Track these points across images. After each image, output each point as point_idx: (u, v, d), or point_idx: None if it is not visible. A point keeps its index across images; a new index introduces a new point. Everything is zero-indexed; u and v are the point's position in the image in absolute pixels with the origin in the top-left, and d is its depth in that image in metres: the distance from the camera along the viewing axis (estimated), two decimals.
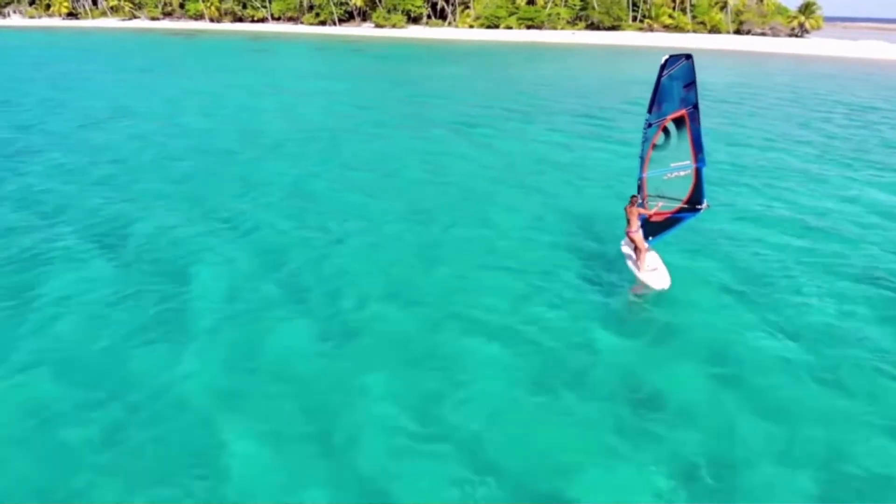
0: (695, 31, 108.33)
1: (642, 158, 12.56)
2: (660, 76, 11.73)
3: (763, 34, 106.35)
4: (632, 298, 12.92)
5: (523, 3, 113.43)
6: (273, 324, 11.48)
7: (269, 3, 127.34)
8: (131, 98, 37.78)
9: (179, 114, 32.93)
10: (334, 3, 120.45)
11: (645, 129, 12.23)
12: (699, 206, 13.13)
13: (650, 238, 13.22)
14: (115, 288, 12.77)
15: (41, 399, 9.32)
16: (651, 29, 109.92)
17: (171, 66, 57.25)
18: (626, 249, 13.42)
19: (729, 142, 27.59)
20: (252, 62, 62.82)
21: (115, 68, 54.26)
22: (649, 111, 12.11)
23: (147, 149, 24.91)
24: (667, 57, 11.79)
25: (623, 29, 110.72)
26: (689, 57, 11.89)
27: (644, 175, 12.68)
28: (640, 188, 12.86)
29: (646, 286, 12.56)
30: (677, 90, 12.08)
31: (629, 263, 13.15)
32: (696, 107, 12.32)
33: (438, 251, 14.88)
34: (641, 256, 12.78)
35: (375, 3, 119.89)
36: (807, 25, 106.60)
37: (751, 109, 37.55)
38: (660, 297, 12.42)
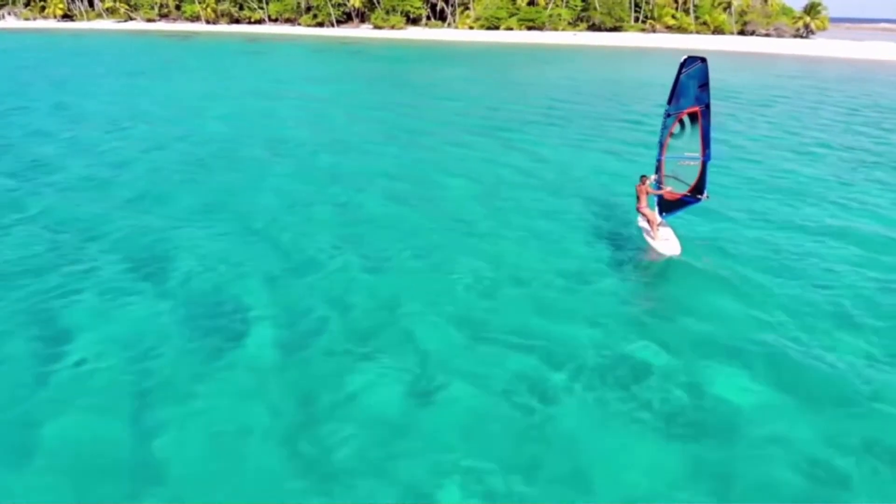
0: (698, 32, 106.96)
1: (661, 143, 14.51)
2: (679, 73, 13.42)
3: (767, 35, 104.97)
4: (647, 263, 14.56)
5: (524, 4, 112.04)
6: (345, 364, 10.15)
7: (266, 4, 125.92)
8: (135, 104, 35.95)
9: (190, 121, 30.96)
10: (332, 5, 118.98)
11: (665, 118, 14.16)
12: (700, 196, 14.41)
13: (664, 214, 15.06)
14: (158, 322, 11.43)
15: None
16: (653, 30, 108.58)
17: (167, 69, 55.72)
18: (643, 224, 15.04)
19: (788, 148, 26.82)
20: (249, 65, 61.35)
21: (109, 72, 52.77)
22: (669, 103, 13.93)
23: (169, 160, 23.21)
24: (685, 57, 13.44)
25: (625, 30, 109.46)
26: (703, 60, 13.33)
27: (662, 158, 14.58)
28: (657, 168, 14.77)
29: (659, 253, 14.22)
30: (693, 88, 13.53)
31: (645, 235, 14.89)
32: (707, 106, 13.56)
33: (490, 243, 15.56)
34: (654, 227, 14.54)
35: (374, 4, 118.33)
36: (812, 26, 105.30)
37: (791, 112, 36.40)
38: (671, 262, 14.08)
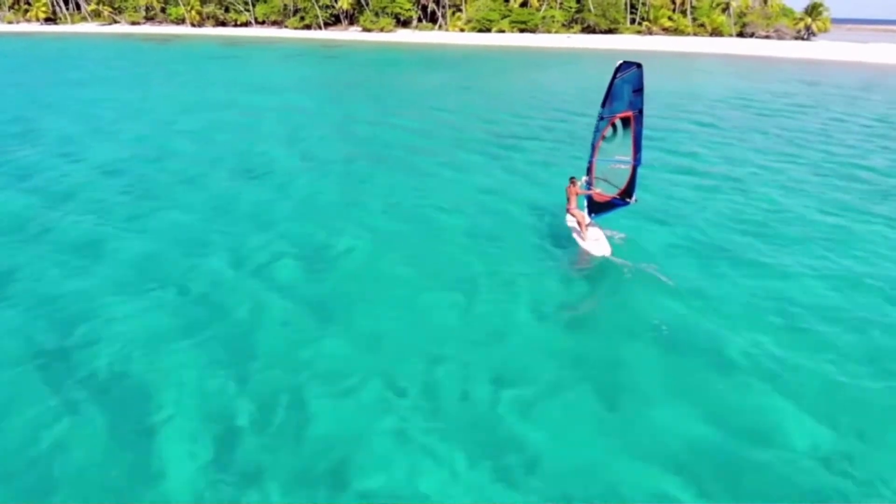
0: (695, 34, 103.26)
1: (593, 146, 14.47)
2: (614, 77, 13.38)
3: (767, 37, 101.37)
4: (577, 264, 14.57)
5: (517, 6, 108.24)
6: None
7: (253, 6, 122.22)
8: (82, 119, 33.00)
9: (144, 140, 28.09)
10: (319, 7, 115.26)
11: (598, 120, 14.00)
12: (629, 200, 14.62)
13: (593, 214, 15.28)
14: None
15: None
16: (650, 32, 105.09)
17: (126, 77, 53.21)
18: (572, 224, 15.22)
19: (809, 168, 24.27)
20: (216, 72, 58.10)
21: (57, 81, 50.23)
22: (602, 106, 13.78)
23: (109, 192, 20.21)
24: (621, 62, 13.34)
25: (620, 32, 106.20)
26: (639, 66, 13.27)
27: (593, 160, 14.64)
28: (588, 170, 14.85)
29: (589, 254, 14.39)
30: (627, 93, 13.53)
31: (574, 235, 15.04)
32: (640, 111, 13.71)
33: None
34: (584, 228, 14.79)
35: (362, 6, 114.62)
36: (814, 28, 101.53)
37: (816, 125, 33.34)
38: (602, 263, 14.24)
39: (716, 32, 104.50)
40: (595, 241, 14.54)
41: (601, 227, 15.29)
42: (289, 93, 43.36)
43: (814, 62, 74.23)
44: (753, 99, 42.53)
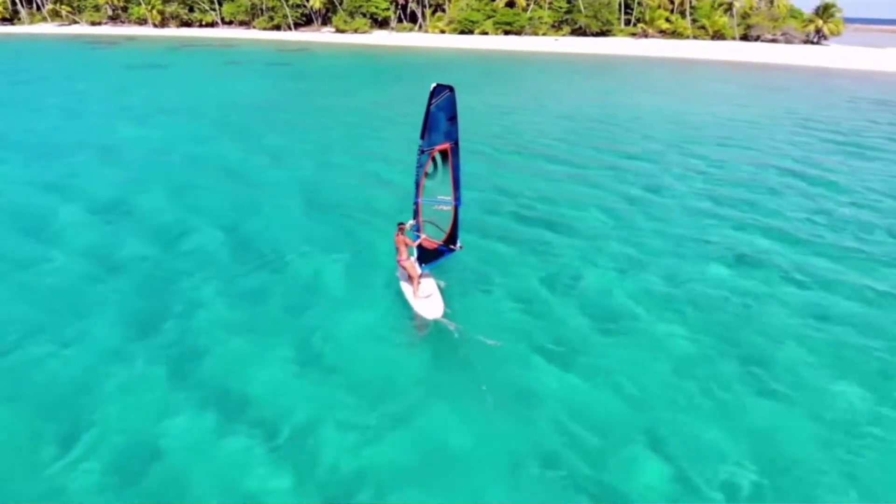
0: (695, 37, 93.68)
1: (417, 183, 12.66)
2: (429, 104, 11.72)
3: (774, 41, 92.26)
4: (410, 329, 12.41)
5: (502, 6, 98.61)
6: None
7: (219, 6, 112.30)
8: None
9: None
10: (289, 6, 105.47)
11: (419, 154, 12.29)
12: (453, 247, 13.24)
13: (423, 265, 13.29)
14: None
15: None
16: (645, 35, 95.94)
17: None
18: (403, 276, 13.45)
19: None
20: (116, 85, 47.92)
21: None
22: (421, 137, 12.10)
23: None
24: (434, 85, 11.71)
25: (613, 34, 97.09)
26: (451, 89, 11.83)
27: (419, 200, 12.84)
28: (415, 213, 13.00)
29: (420, 317, 12.48)
30: (443, 122, 12.12)
31: (404, 289, 13.15)
32: (456, 143, 12.40)
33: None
34: (416, 282, 12.88)
35: (336, 5, 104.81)
36: (825, 31, 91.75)
37: None
38: (434, 327, 12.14)
39: (717, 35, 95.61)
40: (427, 298, 12.67)
41: (436, 278, 13.46)
42: (187, 120, 33.70)
43: (844, 73, 65.32)
44: (832, 129, 33.38)
